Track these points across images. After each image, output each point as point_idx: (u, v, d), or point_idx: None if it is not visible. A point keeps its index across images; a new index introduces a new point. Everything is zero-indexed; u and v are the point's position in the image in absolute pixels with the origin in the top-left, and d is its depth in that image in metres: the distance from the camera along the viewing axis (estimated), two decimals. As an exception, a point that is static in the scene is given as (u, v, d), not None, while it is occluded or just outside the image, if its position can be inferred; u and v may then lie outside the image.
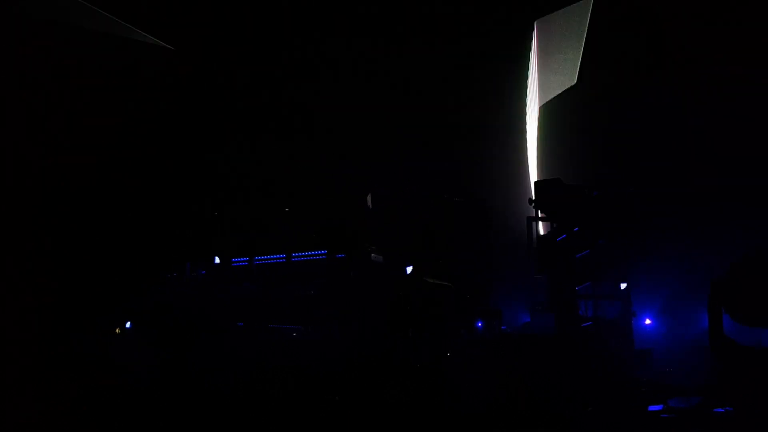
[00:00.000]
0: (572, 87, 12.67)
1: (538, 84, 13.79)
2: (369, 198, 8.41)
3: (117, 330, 8.07)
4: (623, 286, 9.46)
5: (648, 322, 11.50)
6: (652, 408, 7.31)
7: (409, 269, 7.93)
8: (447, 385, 6.53)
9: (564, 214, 9.46)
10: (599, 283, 9.82)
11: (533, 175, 13.74)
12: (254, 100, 10.24)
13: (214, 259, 8.24)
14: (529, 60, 13.29)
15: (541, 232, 10.47)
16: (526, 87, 13.62)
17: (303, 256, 7.94)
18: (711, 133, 10.81)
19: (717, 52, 10.52)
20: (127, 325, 7.89)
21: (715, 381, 7.12)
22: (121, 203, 8.42)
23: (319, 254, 7.87)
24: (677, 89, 10.96)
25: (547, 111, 13.62)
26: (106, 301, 7.83)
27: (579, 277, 9.74)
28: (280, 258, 8.01)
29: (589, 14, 11.88)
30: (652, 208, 10.27)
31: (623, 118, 11.64)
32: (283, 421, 5.92)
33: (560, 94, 13.08)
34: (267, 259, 8.07)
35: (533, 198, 9.52)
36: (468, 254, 8.82)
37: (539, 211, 10.10)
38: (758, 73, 10.41)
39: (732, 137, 10.66)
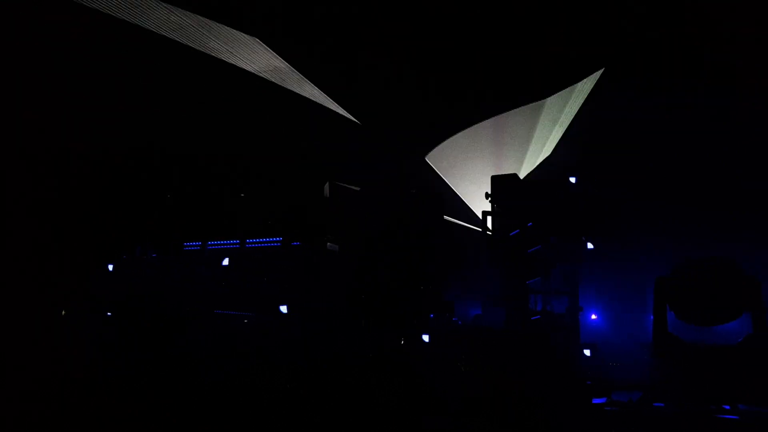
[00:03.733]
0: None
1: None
2: (326, 187, 8.37)
3: (62, 312, 7.84)
4: (572, 281, 9.69)
5: (594, 317, 11.80)
6: (596, 401, 7.52)
7: (364, 259, 7.94)
8: (401, 374, 6.57)
9: (518, 209, 9.61)
10: (549, 279, 10.03)
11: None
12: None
13: (165, 243, 8.07)
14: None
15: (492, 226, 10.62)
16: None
17: (258, 242, 7.84)
18: (665, 134, 11.09)
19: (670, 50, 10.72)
20: (73, 307, 7.67)
21: (657, 376, 7.34)
22: (67, 184, 8.16)
23: (274, 241, 7.78)
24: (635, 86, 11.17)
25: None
26: (53, 283, 7.61)
27: (530, 271, 9.93)
28: (234, 244, 7.89)
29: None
30: (603, 206, 10.50)
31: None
32: (233, 408, 5.87)
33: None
34: (220, 244, 7.95)
35: (489, 192, 9.64)
36: (422, 246, 8.86)
37: (495, 205, 10.23)
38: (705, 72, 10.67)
39: (685, 140, 10.95)
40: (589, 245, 9.60)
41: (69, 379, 6.25)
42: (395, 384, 6.46)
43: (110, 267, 8.05)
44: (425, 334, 7.62)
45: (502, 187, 9.64)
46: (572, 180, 9.52)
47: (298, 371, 6.51)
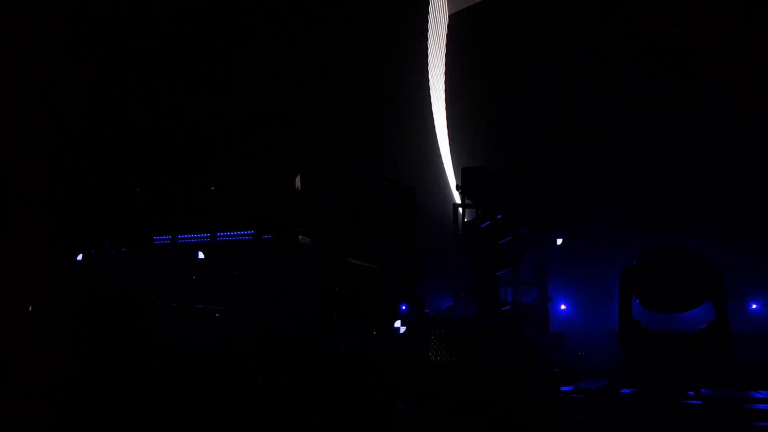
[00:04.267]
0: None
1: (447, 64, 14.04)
2: (297, 180, 8.36)
3: (29, 308, 7.72)
4: (542, 273, 9.86)
5: (563, 307, 12.01)
6: (564, 389, 7.67)
7: (336, 252, 7.95)
8: (374, 365, 6.62)
9: (489, 201, 9.72)
10: (519, 270, 10.19)
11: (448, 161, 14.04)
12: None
13: (134, 237, 7.98)
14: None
15: (466, 219, 10.73)
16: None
17: (228, 235, 7.79)
18: (634, 126, 11.29)
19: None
20: (44, 301, 7.56)
21: (622, 364, 7.51)
22: (36, 178, 8.03)
23: (245, 234, 7.75)
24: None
25: (457, 98, 13.90)
26: (19, 278, 7.49)
27: (500, 263, 10.06)
28: (204, 237, 7.83)
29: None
30: (571, 198, 10.67)
31: (546, 111, 12.00)
32: (204, 402, 5.85)
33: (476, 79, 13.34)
34: (191, 237, 7.88)
35: (460, 184, 9.74)
36: (393, 238, 8.91)
37: (465, 198, 10.33)
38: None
39: (654, 131, 11.16)
40: (558, 240, 9.77)
41: (40, 376, 6.16)
42: (366, 374, 6.50)
43: (79, 261, 7.94)
44: (397, 320, 7.69)
45: (473, 179, 9.74)
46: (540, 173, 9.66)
47: (270, 363, 6.51)
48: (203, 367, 6.41)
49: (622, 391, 7.37)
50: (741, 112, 10.85)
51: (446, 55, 14.67)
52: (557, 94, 12.19)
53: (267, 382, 6.16)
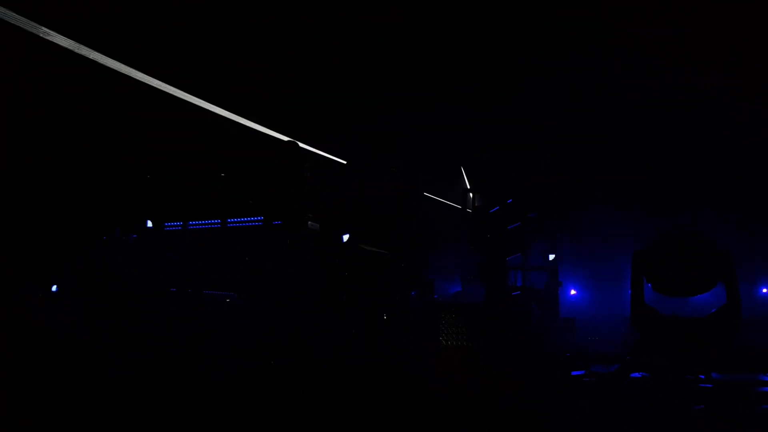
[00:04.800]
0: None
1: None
2: (307, 165, 8.36)
3: (40, 295, 7.76)
4: (551, 257, 9.84)
5: (573, 292, 12.01)
6: (575, 373, 7.68)
7: (346, 237, 7.96)
8: (383, 350, 6.64)
9: (497, 186, 9.71)
10: (528, 254, 10.18)
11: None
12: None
13: (146, 224, 8.01)
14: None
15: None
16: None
17: (239, 222, 7.82)
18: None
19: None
20: (53, 289, 7.60)
21: (633, 348, 7.50)
22: (47, 167, 8.04)
23: (255, 221, 7.77)
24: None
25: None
26: (32, 267, 7.52)
27: (509, 248, 10.06)
28: (215, 223, 7.86)
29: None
30: (582, 182, 10.65)
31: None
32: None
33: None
34: (201, 224, 7.91)
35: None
36: (403, 223, 8.91)
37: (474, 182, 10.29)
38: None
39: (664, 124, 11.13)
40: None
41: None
42: (376, 359, 6.53)
43: (90, 249, 7.98)
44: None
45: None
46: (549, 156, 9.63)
47: (281, 348, 6.54)
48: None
49: (633, 375, 7.38)
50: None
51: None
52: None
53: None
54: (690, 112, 10.97)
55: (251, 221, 7.77)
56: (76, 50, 8.11)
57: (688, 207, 11.08)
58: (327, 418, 5.64)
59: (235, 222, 7.82)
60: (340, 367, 6.42)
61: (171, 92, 9.24)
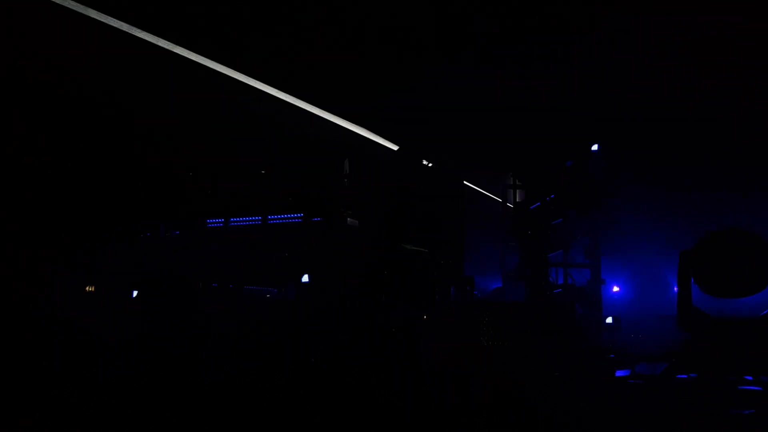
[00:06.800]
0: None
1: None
2: (346, 163, 8.36)
3: (87, 288, 7.94)
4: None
5: (616, 289, 11.79)
6: (620, 373, 7.53)
7: (384, 234, 7.95)
8: (422, 348, 6.60)
9: (539, 182, 9.56)
10: (570, 251, 10.01)
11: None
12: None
13: (187, 220, 8.13)
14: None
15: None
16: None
17: (279, 218, 7.87)
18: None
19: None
20: (103, 285, 7.77)
21: (680, 348, 7.33)
22: (93, 163, 8.19)
23: (295, 217, 7.81)
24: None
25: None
26: (76, 260, 7.68)
27: (551, 244, 9.91)
28: (255, 220, 7.93)
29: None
30: (625, 180, 10.45)
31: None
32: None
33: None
34: (242, 221, 7.99)
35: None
36: (442, 220, 8.86)
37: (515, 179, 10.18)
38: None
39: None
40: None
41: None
42: (415, 357, 6.49)
43: (134, 245, 8.14)
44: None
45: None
46: (594, 148, 9.41)
47: (321, 344, 6.56)
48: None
49: (680, 376, 7.20)
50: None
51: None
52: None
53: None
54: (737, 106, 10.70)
55: (291, 218, 7.83)
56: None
57: (733, 208, 10.82)
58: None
59: (276, 219, 7.88)
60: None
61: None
